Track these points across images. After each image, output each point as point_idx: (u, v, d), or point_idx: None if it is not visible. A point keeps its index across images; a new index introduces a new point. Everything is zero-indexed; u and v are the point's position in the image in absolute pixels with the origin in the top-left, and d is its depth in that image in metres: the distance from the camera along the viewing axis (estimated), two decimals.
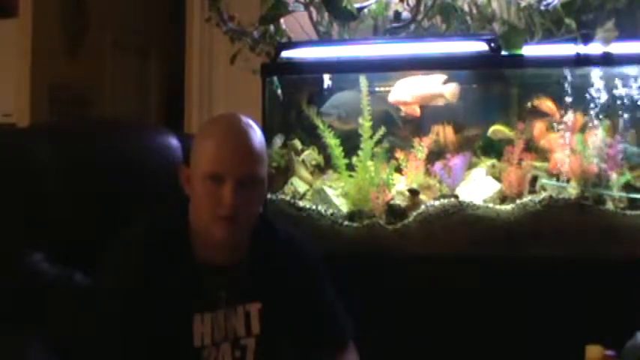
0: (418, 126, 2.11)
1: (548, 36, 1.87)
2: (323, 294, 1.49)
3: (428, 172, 2.03)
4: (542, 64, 1.94)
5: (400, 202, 1.98)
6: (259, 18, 2.00)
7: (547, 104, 1.99)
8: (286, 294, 1.41)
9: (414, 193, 1.98)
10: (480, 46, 1.91)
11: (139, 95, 4.53)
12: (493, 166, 2.04)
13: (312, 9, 2.07)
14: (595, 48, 1.81)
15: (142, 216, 1.39)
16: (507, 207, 1.92)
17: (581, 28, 1.82)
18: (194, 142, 1.35)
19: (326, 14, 2.08)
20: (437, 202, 1.94)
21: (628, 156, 1.92)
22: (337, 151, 2.05)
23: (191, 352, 1.32)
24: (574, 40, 1.82)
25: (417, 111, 2.06)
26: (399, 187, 2.03)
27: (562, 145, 1.94)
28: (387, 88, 2.09)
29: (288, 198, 2.04)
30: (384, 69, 2.05)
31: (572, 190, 1.91)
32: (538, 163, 1.98)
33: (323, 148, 2.12)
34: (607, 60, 1.83)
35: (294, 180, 2.11)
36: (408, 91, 2.06)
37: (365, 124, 2.01)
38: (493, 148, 2.08)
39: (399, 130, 2.13)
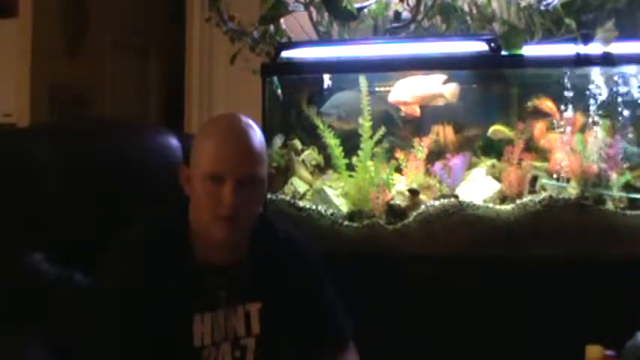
0: (418, 126, 2.11)
1: (548, 36, 1.87)
2: (323, 294, 1.49)
3: (428, 172, 2.03)
4: (542, 64, 1.94)
5: (400, 202, 1.98)
6: (259, 18, 2.00)
7: (547, 104, 1.99)
8: (286, 294, 1.41)
9: (414, 193, 1.98)
10: (480, 46, 1.91)
11: (139, 95, 4.53)
12: (493, 166, 2.04)
13: (312, 9, 2.07)
14: (595, 48, 1.81)
15: (142, 216, 1.39)
16: (507, 207, 1.92)
17: (581, 28, 1.82)
18: (194, 142, 1.35)
19: (326, 14, 2.08)
20: (437, 202, 1.94)
21: (628, 156, 1.92)
22: (337, 151, 2.05)
23: (191, 352, 1.32)
24: (574, 40, 1.82)
25: (417, 111, 2.06)
26: (399, 187, 2.03)
27: (562, 145, 1.94)
28: (387, 88, 2.09)
29: (288, 198, 2.04)
30: (384, 69, 2.05)
31: (572, 190, 1.91)
32: (538, 163, 1.98)
33: (323, 148, 2.12)
34: (607, 60, 1.83)
35: (294, 180, 2.11)
36: (408, 91, 2.06)
37: (365, 124, 2.01)
38: (493, 148, 2.08)
39: (399, 130, 2.13)
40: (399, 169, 2.05)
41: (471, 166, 2.06)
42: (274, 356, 1.42)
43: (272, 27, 2.04)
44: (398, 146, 2.06)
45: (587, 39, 1.81)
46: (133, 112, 4.34)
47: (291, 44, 2.05)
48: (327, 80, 2.18)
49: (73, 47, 3.74)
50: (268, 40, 2.04)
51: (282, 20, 2.05)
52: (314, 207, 2.01)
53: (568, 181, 1.92)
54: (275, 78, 2.09)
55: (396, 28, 2.07)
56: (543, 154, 1.99)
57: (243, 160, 1.30)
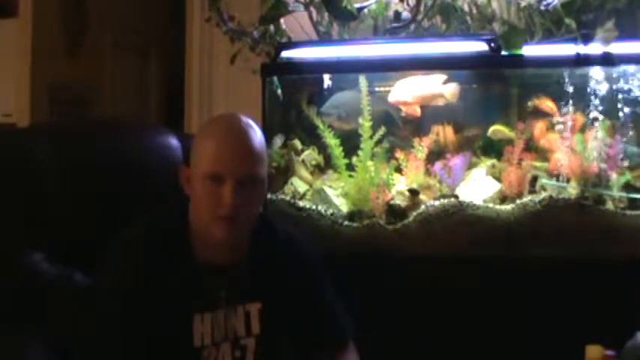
0: (418, 126, 2.11)
1: (548, 36, 1.87)
2: (323, 294, 1.49)
3: (428, 172, 2.03)
4: (542, 64, 1.94)
5: (400, 202, 1.98)
6: (259, 18, 2.00)
7: (547, 104, 1.99)
8: (286, 294, 1.41)
9: (414, 193, 1.98)
10: (480, 46, 1.91)
11: (139, 95, 4.53)
12: (493, 166, 2.04)
13: (312, 9, 2.07)
14: (595, 48, 1.81)
15: (142, 216, 1.39)
16: (507, 207, 1.92)
17: (581, 28, 1.82)
18: (194, 142, 1.35)
19: (326, 14, 2.08)
20: (437, 202, 1.94)
21: (628, 156, 1.92)
22: (337, 151, 2.05)
23: (191, 352, 1.32)
24: (574, 40, 1.82)
25: (418, 111, 2.06)
26: (399, 187, 2.03)
27: (562, 145, 1.94)
28: (387, 88, 2.09)
29: (288, 198, 2.04)
30: (384, 69, 2.05)
31: (572, 190, 1.91)
32: (538, 163, 1.98)
33: (323, 148, 2.12)
34: (607, 60, 1.83)
35: (294, 180, 2.11)
36: (408, 91, 2.06)
37: (365, 124, 2.01)
38: (493, 148, 2.08)
39: (399, 130, 2.13)
40: (399, 169, 2.05)
41: (471, 166, 2.06)
42: (274, 356, 1.42)
43: (272, 27, 2.04)
44: (398, 146, 2.06)
45: (587, 39, 1.81)
46: (133, 112, 4.34)
47: (291, 44, 2.05)
48: (327, 80, 2.18)
49: (73, 47, 3.74)
50: (268, 40, 2.04)
51: (282, 20, 2.05)
52: (314, 207, 2.01)
53: (568, 181, 1.92)
54: (275, 78, 2.09)
55: (396, 28, 2.07)
56: (543, 154, 1.99)
57: (243, 160, 1.30)
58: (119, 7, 4.07)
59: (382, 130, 2.02)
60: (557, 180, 1.93)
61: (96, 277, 1.39)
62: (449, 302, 1.86)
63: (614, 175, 1.90)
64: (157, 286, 1.29)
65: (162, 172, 1.61)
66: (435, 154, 2.05)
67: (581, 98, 1.92)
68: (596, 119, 1.92)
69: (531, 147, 1.99)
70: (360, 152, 2.02)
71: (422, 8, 2.04)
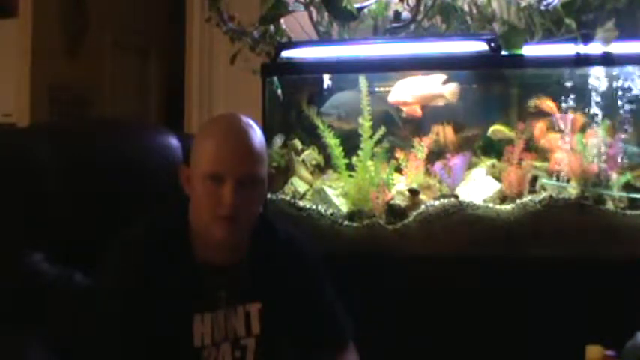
0: (418, 126, 2.11)
1: (548, 36, 1.87)
2: (323, 294, 1.49)
3: (428, 172, 2.03)
4: (542, 64, 1.94)
5: (400, 202, 1.98)
6: (259, 18, 2.00)
7: (547, 104, 1.99)
8: (286, 294, 1.41)
9: (414, 193, 1.98)
10: (480, 46, 1.91)
11: (139, 95, 4.53)
12: (493, 166, 2.04)
13: (312, 9, 2.07)
14: (595, 48, 1.81)
15: (142, 216, 1.39)
16: (507, 207, 1.92)
17: (581, 28, 1.82)
18: (194, 142, 1.35)
19: (326, 14, 2.08)
20: (437, 202, 1.94)
21: (628, 156, 1.92)
22: (337, 151, 2.05)
23: (191, 352, 1.32)
24: (574, 40, 1.82)
25: (419, 111, 2.06)
26: (399, 187, 2.03)
27: (562, 145, 1.94)
28: (387, 88, 2.09)
29: (288, 198, 2.04)
30: (384, 69, 2.05)
31: (572, 190, 1.91)
32: (538, 163, 1.98)
33: (323, 148, 2.12)
34: (607, 60, 1.83)
35: (294, 180, 2.11)
36: (408, 91, 2.06)
37: (365, 124, 2.01)
38: (493, 148, 2.08)
39: (399, 130, 2.13)
40: (399, 169, 2.05)
41: (471, 166, 2.05)
42: (274, 356, 1.42)
43: (272, 27, 2.04)
44: (398, 146, 2.06)
45: (587, 39, 1.81)
46: (133, 112, 4.34)
47: (291, 44, 2.05)
48: (327, 80, 2.18)
49: (73, 47, 3.74)
50: (268, 40, 2.04)
51: (282, 20, 2.05)
52: (314, 207, 2.01)
53: (568, 181, 1.92)
54: (275, 78, 2.09)
55: (396, 28, 2.07)
56: (543, 154, 1.99)
57: (243, 160, 1.30)
58: (119, 7, 4.07)
59: (382, 130, 2.02)
60: (557, 180, 1.93)
61: (96, 277, 1.39)
62: (449, 302, 1.86)
63: (614, 175, 1.90)
64: (157, 286, 1.29)
65: (162, 172, 1.61)
66: (435, 154, 2.05)
67: (581, 98, 1.92)
68: (596, 119, 1.92)
69: (531, 147, 1.99)
70: (360, 152, 2.02)
71: (422, 8, 2.04)
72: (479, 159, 2.10)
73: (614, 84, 1.91)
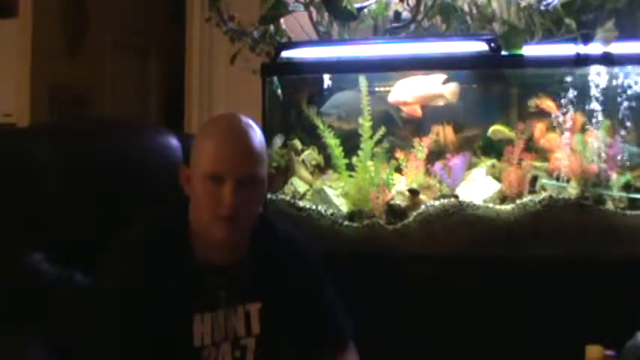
0: (418, 126, 2.11)
1: (548, 36, 1.87)
2: (323, 294, 1.49)
3: (428, 172, 2.03)
4: (542, 64, 1.94)
5: (400, 202, 1.98)
6: (259, 18, 2.00)
7: (547, 104, 1.99)
8: (286, 294, 1.41)
9: (414, 193, 1.98)
10: (480, 46, 1.91)
11: (139, 95, 4.53)
12: (493, 166, 2.04)
13: (312, 9, 2.07)
14: (595, 48, 1.81)
15: (142, 216, 1.39)
16: (507, 207, 1.92)
17: (581, 28, 1.82)
18: (194, 142, 1.35)
19: (326, 14, 2.08)
20: (437, 202, 1.94)
21: (628, 156, 1.92)
22: (337, 151, 2.05)
23: (191, 352, 1.32)
24: (574, 40, 1.82)
25: (419, 111, 2.06)
26: (399, 187, 2.03)
27: (562, 145, 1.94)
28: (387, 88, 2.09)
29: (288, 198, 2.04)
30: (384, 69, 2.05)
31: (572, 190, 1.91)
32: (538, 163, 1.98)
33: (323, 148, 2.12)
34: (607, 60, 1.83)
35: (294, 180, 2.11)
36: (408, 91, 2.06)
37: (365, 124, 2.01)
38: (493, 148, 2.08)
39: (399, 130, 2.13)
40: (399, 169, 2.05)
41: (471, 166, 2.06)
42: (274, 356, 1.42)
43: (272, 27, 2.04)
44: (398, 146, 2.06)
45: (587, 39, 1.81)
46: (133, 112, 4.34)
47: (291, 44, 2.05)
48: (327, 80, 2.18)
49: (73, 47, 3.74)
50: (268, 40, 2.04)
51: (282, 20, 2.05)
52: (314, 207, 2.01)
53: (568, 181, 1.92)
54: (275, 78, 2.09)
55: (396, 28, 2.07)
56: (543, 154, 1.99)
57: (243, 160, 1.30)
58: (119, 7, 4.07)
59: (382, 130, 2.02)
60: (557, 180, 1.93)
61: (96, 277, 1.39)
62: (449, 302, 1.86)
63: (614, 175, 1.90)
64: (157, 286, 1.29)
65: (162, 172, 1.61)
66: (435, 154, 2.05)
67: (581, 98, 1.92)
68: (596, 119, 1.92)
69: (531, 147, 1.99)
70: (360, 152, 2.02)
71: (422, 8, 2.04)
72: (479, 159, 2.10)
73: (614, 84, 1.91)
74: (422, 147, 2.02)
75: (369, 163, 2.02)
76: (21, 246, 1.43)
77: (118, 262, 1.32)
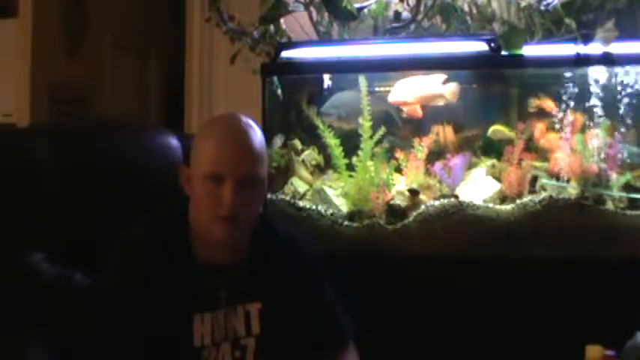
0: (418, 126, 2.11)
1: (548, 36, 1.87)
2: (323, 294, 1.49)
3: (428, 172, 2.03)
4: (542, 64, 1.94)
5: (400, 202, 1.98)
6: (259, 18, 2.00)
7: (547, 104, 1.99)
8: (286, 294, 1.41)
9: (414, 193, 1.98)
10: (480, 46, 1.91)
11: (139, 95, 4.53)
12: (493, 166, 2.04)
13: (312, 9, 2.07)
14: (595, 48, 1.81)
15: (142, 216, 1.39)
16: (507, 207, 1.92)
17: (581, 28, 1.82)
18: (194, 142, 1.35)
19: (326, 14, 2.08)
20: (437, 202, 1.94)
21: (628, 156, 1.92)
22: (337, 151, 2.05)
23: (191, 352, 1.32)
24: (574, 40, 1.82)
25: (419, 111, 2.06)
26: (399, 187, 2.03)
27: (562, 145, 1.94)
28: (387, 88, 2.09)
29: (288, 198, 2.04)
30: (384, 69, 2.05)
31: (572, 190, 1.91)
32: (538, 163, 1.98)
33: (323, 148, 2.12)
34: (607, 60, 1.83)
35: (294, 180, 2.11)
36: (409, 91, 2.06)
37: (365, 124, 2.01)
38: (493, 148, 2.08)
39: (399, 130, 2.13)
40: (399, 169, 2.05)
41: (471, 166, 2.06)
42: (274, 356, 1.42)
43: (272, 27, 2.04)
44: (398, 146, 2.06)
45: (587, 39, 1.81)
46: (133, 112, 4.34)
47: (291, 44, 2.05)
48: (327, 80, 2.18)
49: (73, 47, 3.74)
50: (268, 40, 2.04)
51: (282, 20, 2.05)
52: (314, 207, 2.01)
53: (568, 181, 1.92)
54: (275, 78, 2.09)
55: (396, 28, 2.07)
56: (543, 154, 1.99)
57: (243, 160, 1.30)
58: (119, 7, 4.07)
59: (382, 130, 2.02)
60: (557, 180, 1.93)
61: (96, 277, 1.39)
62: (449, 302, 1.86)
63: (614, 175, 1.90)
64: (157, 286, 1.29)
65: (162, 172, 1.61)
66: (435, 154, 2.05)
67: (581, 98, 1.92)
68: (596, 119, 1.92)
69: (531, 147, 1.99)
70: (360, 152, 2.02)
71: (422, 8, 2.04)
72: (479, 159, 2.10)
73: (614, 84, 1.91)
74: (422, 147, 2.02)
75: (369, 163, 2.02)
76: (21, 246, 1.43)
77: (118, 262, 1.32)
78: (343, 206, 2.03)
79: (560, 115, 1.95)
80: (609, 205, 1.88)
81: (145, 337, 1.27)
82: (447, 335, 1.86)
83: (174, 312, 1.30)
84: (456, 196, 1.95)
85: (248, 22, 2.05)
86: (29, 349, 1.36)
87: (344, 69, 2.09)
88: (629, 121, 1.92)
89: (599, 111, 1.91)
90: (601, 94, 1.91)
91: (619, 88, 1.90)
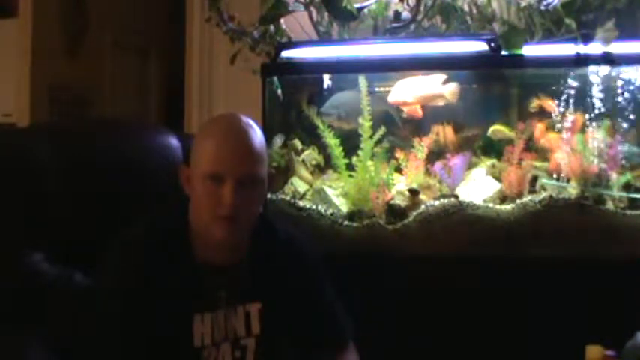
0: (418, 126, 2.11)
1: (548, 36, 1.87)
2: (323, 294, 1.49)
3: (428, 172, 2.03)
4: (542, 64, 1.94)
5: (400, 202, 1.98)
6: (259, 18, 2.00)
7: (548, 104, 1.99)
8: (286, 294, 1.41)
9: (414, 193, 1.98)
10: (480, 46, 1.91)
11: (139, 95, 4.53)
12: (493, 166, 2.04)
13: (312, 9, 2.07)
14: (595, 48, 1.81)
15: (142, 216, 1.39)
16: (507, 207, 1.92)
17: (581, 28, 1.82)
18: (194, 142, 1.35)
19: (326, 14, 2.08)
20: (437, 202, 1.94)
21: (628, 156, 1.92)
22: (337, 151, 2.05)
23: (191, 352, 1.32)
24: (574, 40, 1.82)
25: (419, 111, 2.06)
26: (399, 187, 2.03)
27: (562, 145, 1.94)
28: (387, 88, 2.09)
29: (288, 198, 2.04)
30: (384, 69, 2.05)
31: (572, 190, 1.91)
32: (538, 163, 1.98)
33: (323, 148, 2.12)
34: (607, 60, 1.83)
35: (294, 180, 2.11)
36: (408, 91, 2.06)
37: (365, 124, 2.01)
38: (493, 148, 2.08)
39: (399, 130, 2.13)
40: (399, 169, 2.05)
41: (471, 166, 2.06)
42: (274, 356, 1.42)
43: (272, 27, 2.04)
44: (398, 146, 2.06)
45: (587, 39, 1.81)
46: (133, 112, 4.34)
47: (291, 44, 2.05)
48: (327, 80, 2.18)
49: (73, 47, 3.74)
50: (268, 40, 2.04)
51: (282, 20, 2.05)
52: (314, 207, 2.01)
53: (568, 181, 1.92)
54: (275, 78, 2.09)
55: (396, 28, 2.07)
56: (543, 154, 1.99)
57: (243, 160, 1.30)
58: (119, 7, 4.07)
59: (382, 130, 2.02)
60: (557, 180, 1.93)
61: (96, 277, 1.39)
62: (449, 302, 1.86)
63: (614, 175, 1.90)
64: (157, 286, 1.29)
65: (162, 172, 1.61)
66: (435, 154, 2.05)
67: (581, 98, 1.92)
68: (596, 119, 1.92)
69: (531, 147, 1.99)
70: (360, 152, 2.02)
71: (422, 8, 2.04)
72: (479, 159, 2.10)
73: (614, 84, 1.91)
74: (422, 147, 2.02)
75: (369, 163, 2.02)
76: (21, 246, 1.43)
77: (118, 262, 1.32)
78: (343, 206, 2.03)
79: (560, 115, 1.95)
80: (609, 205, 1.88)
81: (145, 337, 1.27)
82: (447, 335, 1.86)
83: (174, 312, 1.30)
84: (456, 196, 1.95)
85: (248, 22, 2.05)
86: (29, 349, 1.36)
87: (344, 69, 2.09)
88: (629, 121, 1.92)
89: (599, 111, 1.91)
90: (601, 94, 1.91)
91: (619, 88, 1.90)
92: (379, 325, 1.80)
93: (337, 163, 2.06)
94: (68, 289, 1.43)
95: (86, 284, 1.43)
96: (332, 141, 2.05)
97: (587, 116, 1.93)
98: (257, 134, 1.33)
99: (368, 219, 1.97)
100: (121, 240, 1.34)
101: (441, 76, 2.03)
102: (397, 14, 2.07)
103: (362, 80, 2.02)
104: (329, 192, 2.05)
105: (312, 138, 2.13)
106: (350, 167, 2.04)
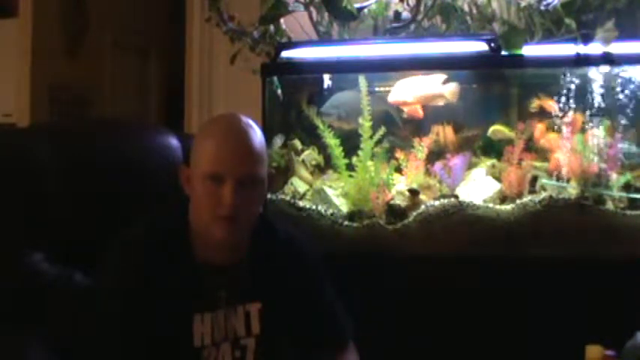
0: (418, 126, 2.11)
1: (548, 36, 1.87)
2: (323, 294, 1.49)
3: (428, 172, 2.03)
4: (542, 64, 1.94)
5: (400, 202, 1.98)
6: (259, 18, 2.00)
7: (548, 104, 1.99)
8: (286, 294, 1.41)
9: (414, 193, 1.98)
10: (480, 46, 1.91)
11: (139, 95, 4.53)
12: (493, 166, 2.04)
13: (312, 9, 2.07)
14: (595, 48, 1.81)
15: (142, 216, 1.39)
16: (507, 207, 1.92)
17: (581, 28, 1.82)
18: (194, 142, 1.35)
19: (326, 14, 2.08)
20: (437, 202, 1.94)
21: (628, 156, 1.92)
22: (337, 151, 2.05)
23: (191, 352, 1.32)
24: (574, 40, 1.82)
25: (419, 111, 2.06)
26: (399, 187, 2.03)
27: (562, 145, 1.94)
28: (387, 88, 2.09)
29: (288, 198, 2.04)
30: (384, 69, 2.05)
31: (572, 190, 1.91)
32: (538, 163, 1.98)
33: (323, 148, 2.12)
34: (607, 60, 1.83)
35: (294, 180, 2.11)
36: (408, 91, 2.06)
37: (365, 124, 2.01)
38: (493, 148, 2.08)
39: (399, 130, 2.13)
40: (399, 169, 2.05)
41: (471, 166, 2.06)
42: (274, 356, 1.42)
43: (272, 27, 2.04)
44: (398, 146, 2.06)
45: (587, 39, 1.81)
46: (133, 112, 4.34)
47: (291, 44, 2.05)
48: (327, 80, 2.18)
49: (73, 47, 3.74)
50: (268, 40, 2.04)
51: (282, 20, 2.05)
52: (314, 207, 2.01)
53: (568, 181, 1.92)
54: (275, 78, 2.09)
55: (396, 28, 2.07)
56: (543, 154, 1.99)
57: (243, 160, 1.30)
58: (119, 7, 4.07)
59: (382, 130, 2.02)
60: (557, 180, 1.93)
61: (96, 277, 1.39)
62: (449, 302, 1.86)
63: (614, 175, 1.90)
64: (157, 286, 1.29)
65: (162, 172, 1.61)
66: (435, 154, 2.05)
67: (581, 98, 1.92)
68: (596, 119, 1.92)
69: (531, 147, 1.99)
70: (360, 152, 2.02)
71: (422, 8, 2.04)
72: (479, 159, 2.10)
73: (614, 84, 1.91)
74: (422, 147, 2.02)
75: (369, 163, 2.02)
76: (21, 246, 1.43)
77: (118, 262, 1.32)
78: (343, 206, 2.03)
79: (560, 115, 1.95)
80: (609, 205, 1.88)
81: (145, 337, 1.27)
82: (447, 335, 1.86)
83: (174, 312, 1.30)
84: (456, 196, 1.95)
85: (248, 22, 2.05)
86: (29, 349, 1.36)
87: (344, 69, 2.09)
88: (629, 121, 1.92)
89: (599, 111, 1.91)
90: (601, 94, 1.91)
91: (619, 88, 1.90)
92: (379, 325, 1.80)
93: (337, 163, 2.06)
94: (68, 289, 1.43)
95: (86, 284, 1.43)
96: (332, 141, 2.05)
97: (587, 116, 1.93)
98: (257, 134, 1.33)
99: (368, 219, 1.97)
100: (121, 240, 1.34)
101: (441, 76, 2.03)
102: (397, 14, 2.07)
103: (362, 80, 2.02)
104: (329, 192, 2.05)
105: (312, 138, 2.13)
106: (350, 167, 2.04)
